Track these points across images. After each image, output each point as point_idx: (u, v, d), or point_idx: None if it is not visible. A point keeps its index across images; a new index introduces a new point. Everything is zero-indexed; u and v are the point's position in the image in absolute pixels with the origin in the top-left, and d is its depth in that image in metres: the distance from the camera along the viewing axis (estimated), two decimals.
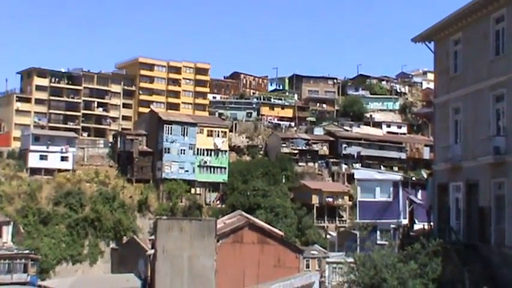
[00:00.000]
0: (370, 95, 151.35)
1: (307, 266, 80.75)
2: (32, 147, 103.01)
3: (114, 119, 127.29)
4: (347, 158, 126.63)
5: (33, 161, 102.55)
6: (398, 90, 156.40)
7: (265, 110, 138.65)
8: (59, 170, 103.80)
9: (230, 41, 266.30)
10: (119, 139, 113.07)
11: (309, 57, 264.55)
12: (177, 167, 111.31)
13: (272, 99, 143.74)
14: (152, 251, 66.30)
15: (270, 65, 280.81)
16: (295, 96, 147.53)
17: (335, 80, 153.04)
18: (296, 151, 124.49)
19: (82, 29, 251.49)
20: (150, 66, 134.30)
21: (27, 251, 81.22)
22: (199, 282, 37.93)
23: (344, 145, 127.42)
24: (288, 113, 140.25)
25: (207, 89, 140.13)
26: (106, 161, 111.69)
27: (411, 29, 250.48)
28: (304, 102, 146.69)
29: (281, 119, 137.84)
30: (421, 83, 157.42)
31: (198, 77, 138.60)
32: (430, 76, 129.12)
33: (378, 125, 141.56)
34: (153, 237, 72.89)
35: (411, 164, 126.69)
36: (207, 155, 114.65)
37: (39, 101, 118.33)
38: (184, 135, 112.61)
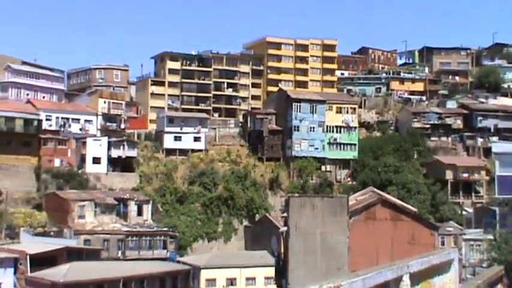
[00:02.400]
0: (508, 64, 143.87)
1: (443, 243, 78.65)
2: (167, 129, 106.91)
3: (243, 98, 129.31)
4: (483, 132, 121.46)
5: (168, 142, 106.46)
6: None
7: (394, 85, 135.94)
8: (193, 150, 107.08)
9: (357, 16, 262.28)
10: (249, 118, 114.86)
11: (439, 28, 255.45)
12: (307, 144, 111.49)
13: (402, 73, 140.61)
14: (285, 229, 67.02)
15: (398, 39, 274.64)
16: (426, 69, 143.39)
17: (468, 51, 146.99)
18: (428, 125, 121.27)
19: (211, 11, 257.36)
20: (278, 45, 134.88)
21: (166, 229, 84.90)
22: (333, 258, 37.82)
23: (479, 118, 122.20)
24: (419, 86, 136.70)
25: (334, 66, 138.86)
26: (237, 140, 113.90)
27: None
28: (436, 75, 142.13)
29: (412, 93, 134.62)
30: None
31: (326, 53, 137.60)
32: None
33: None
34: (285, 214, 73.71)
35: None
36: (337, 132, 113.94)
37: (172, 84, 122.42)
38: (313, 112, 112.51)
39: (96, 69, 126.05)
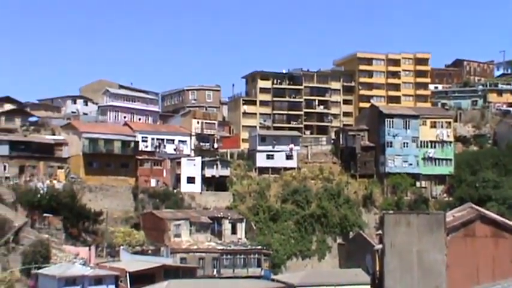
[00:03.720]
0: None
1: None
2: (259, 148, 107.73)
3: (335, 115, 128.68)
4: None
5: (261, 160, 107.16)
6: None
7: (492, 97, 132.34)
8: (285, 169, 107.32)
9: (451, 28, 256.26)
10: (341, 135, 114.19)
11: None
12: (401, 160, 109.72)
13: (500, 85, 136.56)
14: (380, 246, 65.75)
15: (496, 49, 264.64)
16: None
17: None
18: None
19: (300, 29, 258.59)
20: (369, 61, 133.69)
21: (260, 247, 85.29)
22: (430, 277, 36.78)
23: None
24: None
25: (428, 79, 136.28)
26: (329, 157, 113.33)
27: None
28: None
29: (511, 105, 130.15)
30: None
31: (418, 67, 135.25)
32: None
33: None
34: (380, 232, 72.41)
35: None
36: (431, 147, 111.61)
37: (263, 103, 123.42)
38: (406, 128, 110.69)
39: (189, 90, 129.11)
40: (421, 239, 37.28)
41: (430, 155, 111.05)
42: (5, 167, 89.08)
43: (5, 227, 66.82)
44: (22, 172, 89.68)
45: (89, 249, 72.47)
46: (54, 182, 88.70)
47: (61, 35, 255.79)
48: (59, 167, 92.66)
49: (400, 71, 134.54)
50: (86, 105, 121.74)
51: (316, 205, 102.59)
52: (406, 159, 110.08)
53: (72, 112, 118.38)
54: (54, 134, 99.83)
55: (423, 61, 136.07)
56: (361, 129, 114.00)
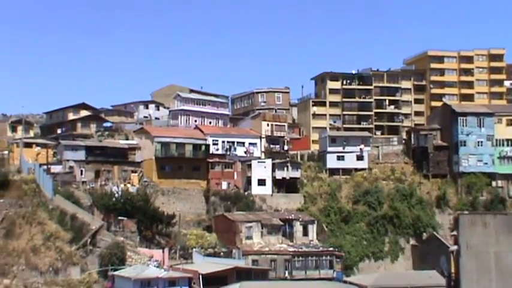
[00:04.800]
0: None
1: None
2: (329, 149, 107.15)
3: (406, 115, 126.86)
4: None
5: (331, 161, 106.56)
6: None
7: None
8: (356, 169, 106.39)
9: None
10: (412, 135, 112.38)
11: None
12: (475, 159, 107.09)
13: None
14: (455, 247, 64.45)
15: None
16: None
17: None
18: None
19: (369, 28, 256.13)
20: (440, 59, 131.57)
21: (331, 248, 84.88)
22: (510, 280, 35.77)
23: None
24: None
25: (503, 76, 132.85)
26: (401, 158, 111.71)
27: None
28: None
29: None
30: None
31: (492, 64, 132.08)
32: None
33: None
34: (454, 232, 70.96)
35: None
36: (508, 145, 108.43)
37: (333, 104, 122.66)
38: (480, 126, 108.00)
39: (259, 93, 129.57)
40: (498, 240, 36.34)
41: (507, 154, 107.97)
42: (81, 171, 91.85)
43: (83, 230, 68.68)
44: (98, 176, 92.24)
45: (163, 252, 73.69)
46: (128, 185, 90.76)
47: (133, 43, 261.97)
48: (133, 171, 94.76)
49: (473, 68, 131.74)
50: (158, 109, 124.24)
51: (388, 206, 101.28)
52: (481, 158, 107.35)
53: (145, 117, 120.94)
54: (127, 139, 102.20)
55: (498, 57, 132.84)
56: (433, 128, 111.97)
